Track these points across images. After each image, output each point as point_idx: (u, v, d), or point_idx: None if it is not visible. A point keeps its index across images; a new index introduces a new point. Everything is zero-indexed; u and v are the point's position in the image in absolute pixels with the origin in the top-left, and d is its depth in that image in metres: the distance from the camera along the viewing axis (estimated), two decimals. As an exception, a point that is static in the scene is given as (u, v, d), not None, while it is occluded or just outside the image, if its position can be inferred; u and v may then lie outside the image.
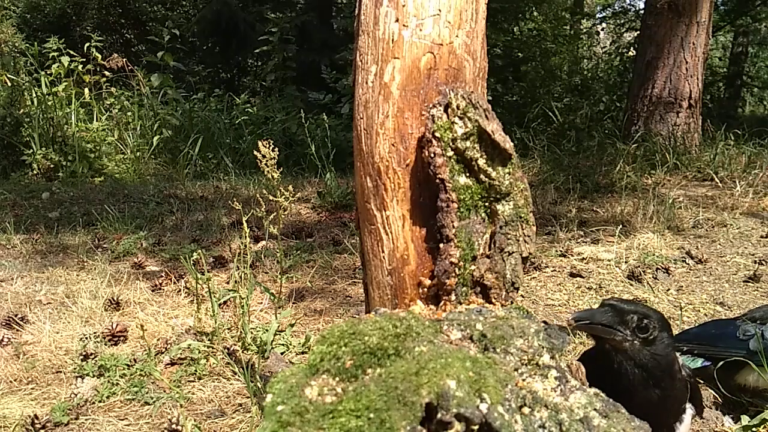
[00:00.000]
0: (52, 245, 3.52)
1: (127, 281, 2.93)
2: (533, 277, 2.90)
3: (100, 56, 6.99)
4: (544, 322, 0.92)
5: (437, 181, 1.01)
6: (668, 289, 2.79)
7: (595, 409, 0.76)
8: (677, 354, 1.26)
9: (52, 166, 5.61)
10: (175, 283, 2.92)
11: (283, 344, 2.29)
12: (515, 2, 8.33)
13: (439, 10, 1.05)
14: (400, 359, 0.77)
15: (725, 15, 9.43)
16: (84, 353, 2.20)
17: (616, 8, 11.18)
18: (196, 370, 2.12)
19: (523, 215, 1.03)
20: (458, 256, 1.01)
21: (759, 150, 5.43)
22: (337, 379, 0.76)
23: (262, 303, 2.72)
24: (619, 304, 1.17)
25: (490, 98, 1.14)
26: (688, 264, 3.11)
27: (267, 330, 2.21)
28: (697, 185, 4.78)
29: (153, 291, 2.83)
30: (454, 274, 1.01)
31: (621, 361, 1.16)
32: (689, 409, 1.27)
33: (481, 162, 1.02)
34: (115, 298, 2.65)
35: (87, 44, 7.00)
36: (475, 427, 0.69)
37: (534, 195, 3.71)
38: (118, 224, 3.92)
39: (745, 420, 1.66)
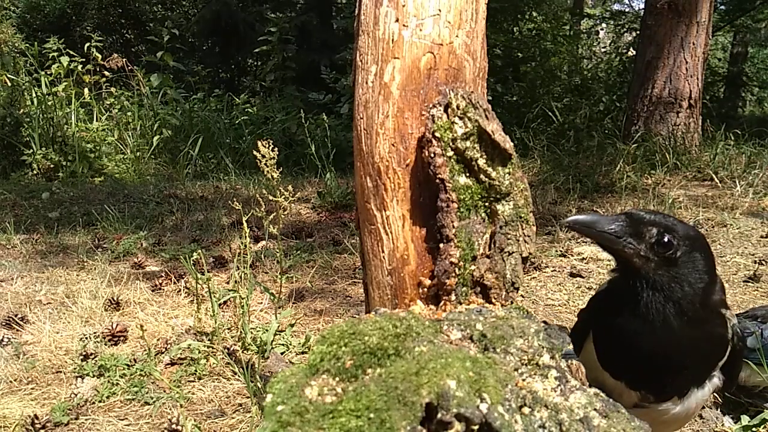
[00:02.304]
0: (52, 245, 3.52)
1: (127, 281, 2.93)
2: (533, 277, 2.90)
3: (99, 56, 6.98)
4: (544, 322, 0.92)
5: (437, 181, 1.01)
6: (668, 289, 2.78)
7: (595, 409, 0.76)
8: (721, 295, 1.00)
9: (52, 166, 5.61)
10: (175, 283, 2.92)
11: (283, 344, 2.29)
12: (515, 2, 8.33)
13: (439, 10, 1.05)
14: (400, 359, 0.77)
15: (725, 15, 9.43)
16: (84, 353, 2.19)
17: (616, 8, 11.19)
18: (196, 370, 2.12)
19: (523, 215, 1.03)
20: (458, 256, 1.01)
21: (759, 150, 5.43)
22: (337, 379, 0.76)
23: (262, 303, 2.72)
24: (638, 213, 0.97)
25: (490, 98, 1.13)
26: (688, 264, 3.10)
27: (267, 330, 2.21)
28: (697, 185, 4.78)
29: (153, 291, 2.83)
30: (454, 274, 1.01)
31: (635, 283, 0.96)
32: (717, 376, 1.03)
33: (481, 162, 1.02)
34: (115, 298, 2.65)
35: (87, 44, 7.00)
36: (475, 427, 0.69)
37: (534, 195, 3.70)
38: (118, 224, 3.92)
39: (745, 420, 1.66)
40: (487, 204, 1.04)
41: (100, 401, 1.94)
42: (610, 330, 1.01)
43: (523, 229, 1.05)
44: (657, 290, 0.94)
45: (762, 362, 1.63)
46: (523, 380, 0.78)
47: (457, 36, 1.07)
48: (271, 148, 1.87)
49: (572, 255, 3.26)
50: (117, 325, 2.37)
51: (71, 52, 6.85)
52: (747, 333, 1.67)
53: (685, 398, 1.00)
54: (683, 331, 0.93)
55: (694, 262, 0.94)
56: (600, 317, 1.03)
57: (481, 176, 1.03)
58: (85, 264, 3.20)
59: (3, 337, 2.32)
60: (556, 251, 3.33)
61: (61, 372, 2.13)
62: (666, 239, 0.94)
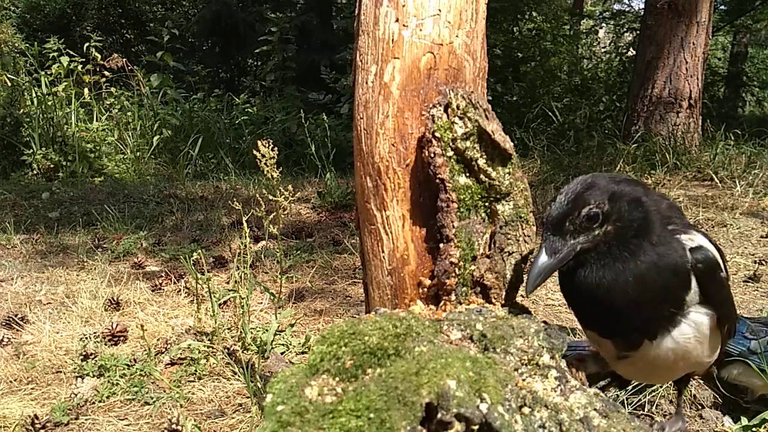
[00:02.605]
0: (52, 245, 3.52)
1: (127, 281, 2.93)
2: (533, 277, 2.89)
3: (99, 56, 6.98)
4: (544, 322, 0.92)
5: (437, 181, 1.02)
6: (668, 289, 2.78)
7: (595, 409, 0.76)
8: (674, 220, 0.97)
9: (52, 166, 5.61)
10: (175, 283, 2.92)
11: (283, 344, 2.29)
12: (515, 2, 8.33)
13: (439, 10, 1.05)
14: (400, 359, 0.77)
15: (725, 15, 9.43)
16: (84, 353, 2.19)
17: (616, 8, 11.19)
18: (196, 370, 2.12)
19: (523, 215, 1.03)
20: (458, 256, 1.01)
21: (759, 150, 5.43)
22: (337, 379, 0.76)
23: (262, 303, 2.72)
24: (548, 216, 0.96)
25: (490, 98, 1.14)
26: (688, 264, 3.10)
27: (267, 330, 2.21)
28: (697, 185, 4.78)
29: (153, 291, 2.83)
30: (454, 274, 1.01)
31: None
32: (700, 312, 0.96)
33: (481, 162, 1.02)
34: (115, 298, 2.65)
35: (87, 44, 7.00)
36: (475, 427, 0.69)
37: (534, 195, 3.70)
38: (118, 224, 3.92)
39: (744, 420, 1.66)
40: (487, 204, 1.04)
41: (100, 401, 1.94)
42: (569, 286, 1.01)
43: (523, 229, 1.05)
44: (604, 251, 0.95)
45: (764, 366, 1.63)
46: (523, 380, 0.78)
47: (457, 36, 1.07)
48: (271, 147, 1.87)
49: (572, 255, 3.26)
50: (117, 325, 2.37)
51: (71, 52, 6.85)
52: (752, 336, 1.67)
53: (660, 340, 0.97)
54: (624, 274, 0.93)
55: (619, 209, 0.93)
56: (562, 274, 1.01)
57: (481, 176, 1.03)
58: (85, 264, 3.20)
59: (3, 337, 2.32)
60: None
61: (61, 372, 2.13)
62: (591, 215, 0.93)
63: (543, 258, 0.94)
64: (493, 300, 1.01)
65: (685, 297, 0.95)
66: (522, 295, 1.04)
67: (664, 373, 1.09)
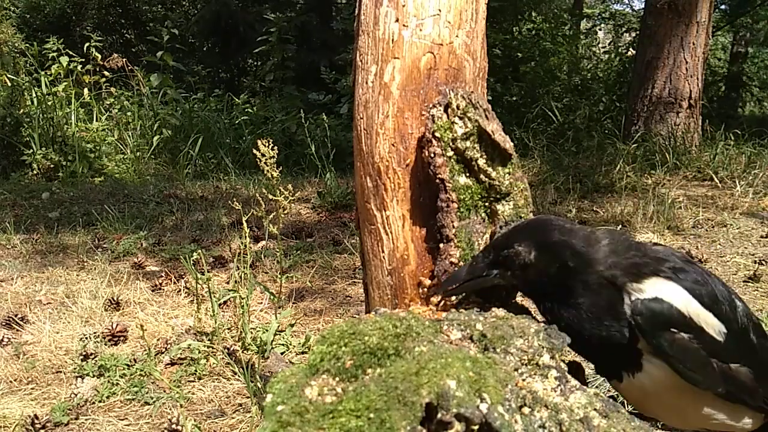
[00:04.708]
0: (52, 245, 3.52)
1: (127, 281, 2.93)
2: (533, 277, 2.90)
3: (99, 56, 6.98)
4: (544, 322, 0.92)
5: (437, 181, 1.02)
6: (668, 289, 2.78)
7: (595, 409, 0.76)
8: (614, 265, 0.92)
9: (52, 166, 5.61)
10: (175, 283, 2.92)
11: (283, 344, 2.29)
12: (515, 2, 8.33)
13: (439, 10, 1.05)
14: (400, 359, 0.77)
15: (725, 15, 9.43)
16: (84, 353, 2.19)
17: (616, 8, 11.19)
18: (196, 370, 2.12)
19: (523, 215, 1.04)
20: (458, 256, 1.01)
21: (759, 150, 5.43)
22: (337, 379, 0.76)
23: (262, 303, 2.72)
24: (496, 240, 0.96)
25: (490, 98, 1.14)
26: (688, 264, 3.10)
27: (267, 330, 2.21)
28: (697, 185, 4.78)
29: (153, 291, 2.83)
30: (454, 274, 1.01)
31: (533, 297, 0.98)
32: (649, 360, 0.90)
33: (481, 162, 1.02)
34: (115, 298, 2.65)
35: (87, 44, 7.00)
36: (475, 427, 0.69)
37: (534, 195, 3.70)
38: (118, 224, 3.92)
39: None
40: (487, 204, 1.04)
41: (100, 401, 1.94)
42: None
43: (523, 229, 1.05)
44: (540, 295, 0.95)
45: None
46: (523, 380, 0.78)
47: (457, 36, 1.07)
48: (270, 147, 1.87)
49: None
50: (117, 325, 2.37)
51: (71, 53, 6.84)
52: None
53: (625, 378, 0.94)
54: (573, 318, 0.92)
55: (548, 255, 0.91)
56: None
57: (481, 176, 1.03)
58: (85, 264, 3.20)
59: (3, 337, 2.32)
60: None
61: (61, 372, 2.13)
62: (506, 255, 0.92)
63: (462, 270, 0.97)
64: (493, 300, 1.01)
65: (638, 345, 0.90)
66: (522, 295, 1.04)
67: (658, 410, 1.01)
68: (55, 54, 6.78)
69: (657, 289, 0.90)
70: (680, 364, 0.89)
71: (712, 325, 0.91)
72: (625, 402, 1.33)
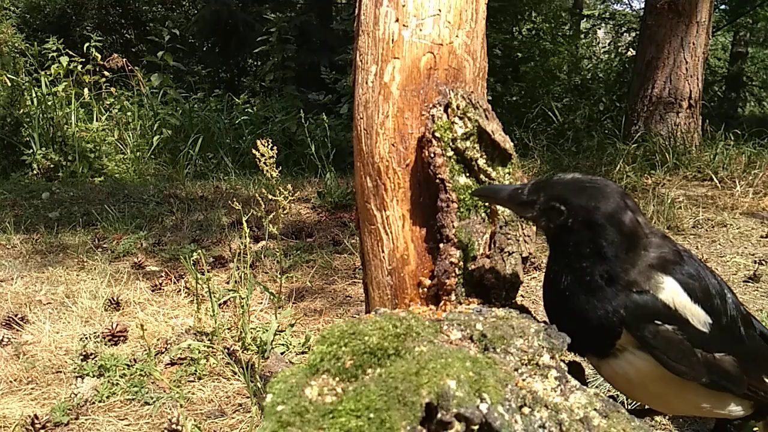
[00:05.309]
0: (52, 245, 3.52)
1: (127, 281, 2.93)
2: (533, 277, 2.90)
3: (99, 56, 6.98)
4: (544, 322, 0.92)
5: (437, 181, 1.02)
6: (668, 289, 2.78)
7: (595, 409, 0.76)
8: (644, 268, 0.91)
9: (52, 166, 5.61)
10: (175, 283, 2.92)
11: (283, 344, 2.29)
12: (515, 2, 8.33)
13: (439, 10, 1.05)
14: (400, 359, 0.77)
15: (725, 15, 9.43)
16: (84, 353, 2.20)
17: (615, 8, 11.19)
18: (196, 370, 2.12)
19: (523, 215, 1.03)
20: (458, 256, 1.01)
21: (759, 150, 5.43)
22: (337, 379, 0.76)
23: (262, 303, 2.72)
24: (542, 180, 0.95)
25: (490, 98, 1.14)
26: (688, 264, 3.10)
27: (267, 330, 2.21)
28: (697, 185, 4.78)
29: (153, 291, 2.83)
30: (454, 274, 1.01)
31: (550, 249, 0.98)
32: (632, 352, 0.91)
33: (481, 162, 1.02)
34: (115, 298, 2.65)
35: (87, 44, 7.00)
36: (475, 427, 0.69)
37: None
38: (118, 224, 3.92)
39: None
40: (487, 204, 1.04)
41: (100, 401, 1.94)
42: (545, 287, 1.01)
43: (523, 229, 1.05)
44: (560, 257, 0.94)
45: None
46: (523, 380, 0.78)
47: (457, 36, 1.07)
48: (270, 147, 1.87)
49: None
50: (117, 325, 2.37)
51: (71, 53, 6.85)
52: None
53: (602, 361, 0.95)
54: (573, 300, 0.92)
55: (595, 234, 0.89)
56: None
57: (481, 176, 1.03)
58: (85, 264, 3.20)
59: (3, 337, 2.32)
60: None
61: (61, 372, 2.13)
62: (552, 206, 0.91)
63: (504, 189, 0.96)
64: (493, 300, 1.01)
65: (616, 342, 0.91)
66: (522, 295, 1.04)
67: (644, 398, 1.02)
68: (55, 54, 6.78)
69: (650, 283, 0.91)
70: (664, 355, 0.89)
71: (697, 315, 0.92)
72: (625, 400, 1.33)
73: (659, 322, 0.89)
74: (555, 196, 0.91)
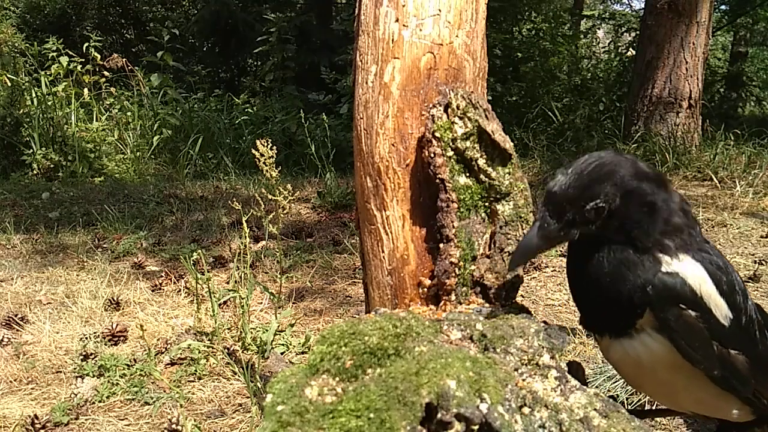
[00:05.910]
0: (52, 245, 3.52)
1: (127, 281, 2.93)
2: (533, 277, 2.90)
3: (99, 56, 6.98)
4: (544, 322, 0.92)
5: (437, 181, 1.02)
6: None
7: (595, 409, 0.76)
8: (670, 226, 0.90)
9: (52, 166, 5.61)
10: (175, 283, 2.92)
11: (283, 344, 2.29)
12: (515, 2, 8.33)
13: (439, 10, 1.05)
14: (400, 359, 0.77)
15: (725, 15, 9.43)
16: (84, 353, 2.20)
17: (615, 8, 11.19)
18: (196, 370, 2.12)
19: (523, 215, 1.04)
20: (458, 256, 1.01)
21: (759, 150, 5.43)
22: (337, 379, 0.76)
23: (262, 303, 2.72)
24: (553, 201, 0.89)
25: (490, 98, 1.13)
26: (688, 264, 3.10)
27: (267, 330, 2.21)
28: (697, 185, 4.78)
29: (153, 291, 2.83)
30: (454, 274, 1.01)
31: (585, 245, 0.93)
32: (652, 336, 0.90)
33: (481, 162, 1.02)
34: (115, 298, 2.65)
35: (86, 44, 7.00)
36: (475, 427, 0.69)
37: (534, 195, 3.69)
38: (118, 224, 3.92)
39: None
40: (487, 204, 1.04)
41: (100, 401, 1.94)
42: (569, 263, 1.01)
43: (523, 229, 1.05)
44: (593, 239, 0.92)
45: None
46: (523, 380, 0.78)
47: (457, 36, 1.07)
48: (269, 147, 1.87)
49: (572, 255, 3.26)
50: (117, 325, 2.37)
51: (71, 53, 6.85)
52: None
53: (615, 341, 0.94)
54: (592, 270, 0.91)
55: (627, 211, 0.88)
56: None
57: (481, 176, 1.03)
58: (85, 264, 3.20)
59: (3, 337, 2.32)
60: (556, 251, 3.33)
61: (61, 372, 2.13)
62: (588, 210, 0.87)
63: (533, 238, 0.90)
64: (493, 300, 1.01)
65: (637, 320, 0.91)
66: (522, 295, 1.04)
67: (649, 386, 1.02)
68: (55, 54, 6.78)
69: (682, 265, 0.90)
70: (682, 340, 0.89)
71: (721, 308, 0.91)
72: (625, 400, 1.33)
73: (684, 306, 0.89)
74: (583, 198, 0.88)
